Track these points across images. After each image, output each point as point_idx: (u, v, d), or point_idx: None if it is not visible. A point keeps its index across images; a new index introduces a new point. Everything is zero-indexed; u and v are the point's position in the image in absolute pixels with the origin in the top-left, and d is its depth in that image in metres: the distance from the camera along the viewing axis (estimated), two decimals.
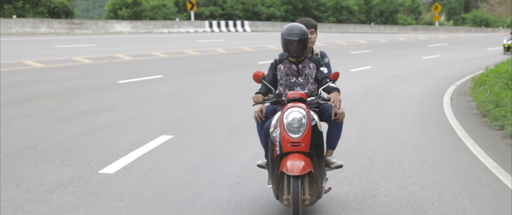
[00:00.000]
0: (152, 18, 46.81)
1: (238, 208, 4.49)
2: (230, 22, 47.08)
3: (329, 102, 4.14)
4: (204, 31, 43.31)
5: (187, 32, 41.45)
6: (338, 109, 4.29)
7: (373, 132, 7.98)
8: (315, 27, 4.59)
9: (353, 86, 13.60)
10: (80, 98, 10.31)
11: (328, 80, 4.28)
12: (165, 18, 48.62)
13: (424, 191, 5.11)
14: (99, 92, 11.29)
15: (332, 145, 4.49)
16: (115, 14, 47.03)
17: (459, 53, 27.64)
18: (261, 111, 4.39)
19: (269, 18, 58.15)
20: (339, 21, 62.51)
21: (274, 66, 4.41)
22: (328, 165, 4.49)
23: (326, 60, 4.72)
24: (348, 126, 8.02)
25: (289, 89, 4.34)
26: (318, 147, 3.96)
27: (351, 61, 21.58)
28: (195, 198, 4.70)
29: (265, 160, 4.40)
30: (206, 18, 52.63)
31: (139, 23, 38.86)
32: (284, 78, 4.35)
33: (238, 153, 6.32)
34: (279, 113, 4.07)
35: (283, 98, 4.16)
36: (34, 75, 13.73)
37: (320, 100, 4.17)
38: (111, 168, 5.55)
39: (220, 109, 9.62)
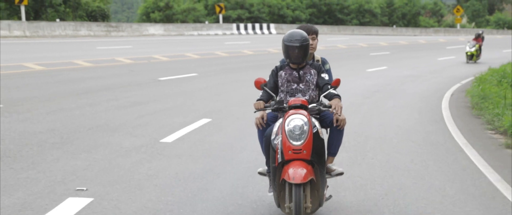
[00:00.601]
0: (183, 21, 49.10)
1: (263, 164, 6.27)
2: (257, 25, 49.04)
3: (330, 109, 4.16)
4: (232, 34, 45.31)
5: (216, 34, 43.47)
6: (340, 115, 4.31)
7: (374, 119, 9.70)
8: (316, 33, 4.67)
9: (366, 84, 15.27)
10: (129, 92, 12.21)
11: (329, 86, 4.28)
12: (195, 21, 50.84)
13: (402, 156, 6.85)
14: (144, 87, 13.19)
15: (333, 151, 4.55)
16: (147, 17, 49.48)
17: None
18: (262, 118, 4.42)
19: (294, 21, 59.93)
20: (362, 24, 64.01)
21: (275, 73, 4.44)
22: (329, 172, 4.55)
23: (327, 66, 4.78)
24: (354, 115, 9.77)
25: (290, 96, 4.34)
26: (319, 154, 3.99)
27: (369, 62, 23.17)
28: (232, 157, 6.53)
29: (266, 167, 4.48)
30: (233, 21, 54.63)
31: (170, 26, 41.07)
32: (285, 85, 4.37)
33: None
34: (280, 120, 4.09)
35: (284, 105, 4.16)
36: (85, 73, 15.73)
37: (321, 107, 4.18)
38: (168, 139, 7.42)
39: (248, 100, 11.42)
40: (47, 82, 13.29)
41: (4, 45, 24.28)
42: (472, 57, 23.47)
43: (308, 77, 4.37)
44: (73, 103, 10.30)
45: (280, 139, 3.93)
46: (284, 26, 51.80)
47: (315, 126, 4.02)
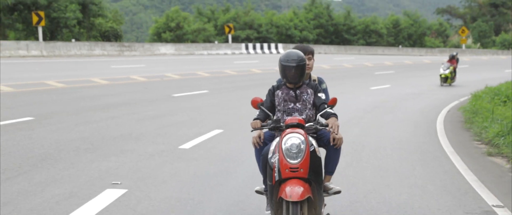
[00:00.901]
0: (193, 41, 50.42)
1: None
2: (265, 45, 50.23)
3: (327, 128, 4.23)
4: (241, 53, 46.46)
5: (225, 54, 44.64)
6: (336, 134, 4.34)
7: (372, 131, 10.59)
8: (312, 53, 4.80)
9: (368, 100, 16.18)
10: (146, 107, 13.20)
11: (326, 106, 4.35)
12: (205, 40, 52.19)
13: (393, 161, 7.75)
14: (160, 103, 14.17)
15: (330, 170, 4.61)
16: (158, 37, 50.92)
17: (476, 74, 29.78)
18: (259, 137, 4.49)
19: (302, 41, 61.09)
20: (369, 44, 65.13)
21: (272, 92, 4.51)
22: (326, 191, 4.60)
23: (323, 86, 4.86)
24: (352, 128, 10.67)
25: (287, 115, 4.41)
26: (317, 173, 4.03)
27: (373, 80, 24.08)
28: (242, 160, 7.46)
29: (263, 186, 4.51)
30: (242, 41, 55.88)
31: (181, 46, 42.31)
32: (282, 104, 4.45)
33: None
34: (277, 139, 4.11)
35: (281, 124, 4.20)
36: (103, 90, 16.76)
37: (318, 126, 4.26)
38: (186, 146, 8.36)
39: (255, 114, 12.36)
40: (69, 98, 14.31)
41: (24, 64, 25.52)
42: (447, 79, 22.54)
43: (305, 96, 4.45)
44: (97, 116, 11.29)
45: (277, 157, 3.97)
46: (291, 46, 52.87)
47: (312, 144, 4.05)
